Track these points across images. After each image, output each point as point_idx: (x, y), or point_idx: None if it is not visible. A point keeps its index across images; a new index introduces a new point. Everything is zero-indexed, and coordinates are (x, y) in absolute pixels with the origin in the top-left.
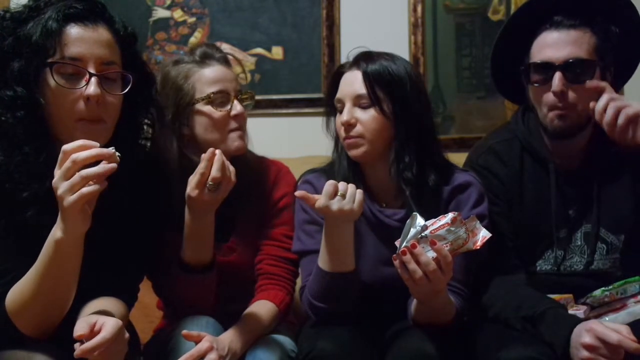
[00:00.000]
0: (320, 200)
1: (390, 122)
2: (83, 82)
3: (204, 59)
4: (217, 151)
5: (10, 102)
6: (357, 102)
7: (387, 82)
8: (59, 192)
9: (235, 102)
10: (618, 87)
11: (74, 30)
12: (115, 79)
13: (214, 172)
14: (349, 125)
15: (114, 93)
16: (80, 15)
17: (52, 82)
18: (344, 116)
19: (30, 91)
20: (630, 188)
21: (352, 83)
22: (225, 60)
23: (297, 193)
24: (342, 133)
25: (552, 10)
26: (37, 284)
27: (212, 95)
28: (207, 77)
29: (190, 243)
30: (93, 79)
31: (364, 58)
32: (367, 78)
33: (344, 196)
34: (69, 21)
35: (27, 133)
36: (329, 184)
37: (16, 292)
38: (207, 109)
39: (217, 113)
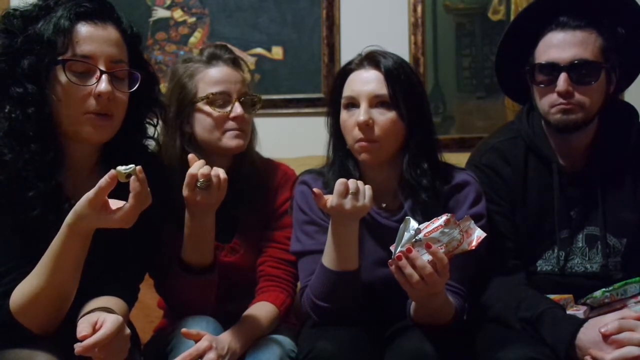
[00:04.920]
0: (332, 200)
1: (405, 125)
2: (94, 80)
3: (211, 59)
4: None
5: (20, 99)
6: (374, 102)
7: (404, 83)
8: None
9: (236, 104)
10: (622, 89)
11: (85, 29)
12: (123, 77)
13: (202, 169)
14: (366, 126)
15: (122, 91)
16: (90, 13)
17: (63, 79)
18: (361, 116)
19: (41, 88)
20: (632, 191)
21: (368, 82)
22: (233, 62)
23: (315, 190)
24: (356, 134)
25: (557, 10)
26: (48, 276)
27: (211, 95)
28: (210, 77)
29: (190, 243)
30: (104, 77)
31: (382, 57)
32: (390, 78)
33: (355, 194)
34: (80, 19)
35: (36, 130)
36: (340, 183)
37: (24, 288)
38: (207, 108)
39: (215, 113)
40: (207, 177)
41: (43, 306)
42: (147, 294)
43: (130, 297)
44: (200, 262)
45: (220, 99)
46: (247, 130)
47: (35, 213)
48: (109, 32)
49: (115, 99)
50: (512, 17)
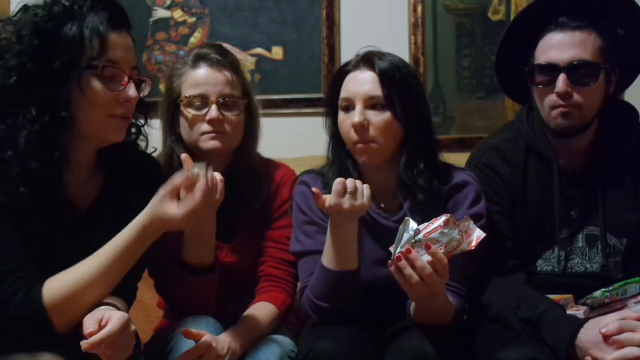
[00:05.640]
0: (330, 199)
1: (402, 126)
2: (121, 85)
3: (196, 61)
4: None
5: (51, 102)
6: (369, 103)
7: (400, 83)
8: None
9: (213, 106)
10: (622, 89)
11: (114, 36)
12: (137, 81)
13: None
14: (361, 127)
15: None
16: (117, 20)
17: (96, 84)
18: (356, 117)
19: (69, 92)
20: (632, 191)
21: (363, 83)
22: (217, 63)
23: (314, 189)
24: (353, 135)
25: (557, 11)
26: (104, 273)
27: (184, 98)
28: (190, 80)
29: (190, 243)
30: (131, 83)
31: (377, 57)
32: (384, 79)
33: (353, 193)
34: (111, 26)
35: (61, 135)
36: (338, 183)
37: (66, 282)
38: (186, 110)
39: (191, 115)
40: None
41: (86, 300)
42: (147, 294)
43: (128, 296)
44: (201, 262)
45: (197, 101)
46: (226, 132)
47: (36, 216)
48: (128, 39)
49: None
50: (512, 17)
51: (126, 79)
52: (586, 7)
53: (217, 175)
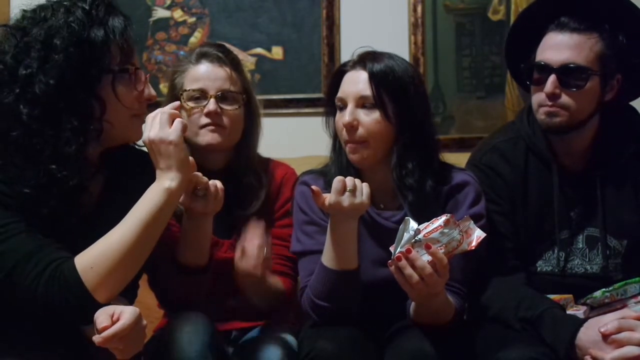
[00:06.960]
0: (330, 197)
1: (393, 126)
2: (141, 85)
3: (199, 58)
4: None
5: (91, 110)
6: (361, 103)
7: (392, 84)
8: (161, 135)
9: (212, 100)
10: (630, 98)
11: (132, 39)
12: None
13: (199, 178)
14: (351, 127)
15: None
16: (130, 24)
17: (123, 86)
18: (346, 117)
19: (103, 97)
20: (633, 192)
21: (356, 83)
22: (218, 59)
23: (313, 187)
24: (344, 135)
25: (561, 10)
26: (134, 240)
27: (184, 92)
28: (191, 75)
29: (186, 245)
30: (147, 81)
31: (370, 58)
32: (373, 79)
33: (352, 191)
34: (129, 30)
35: (87, 141)
36: (338, 181)
37: (102, 255)
38: (186, 103)
39: (189, 107)
40: (205, 185)
41: (122, 263)
42: (147, 294)
43: (129, 294)
44: (195, 264)
45: (197, 94)
46: (225, 125)
47: (49, 216)
48: None
49: None
50: (512, 17)
51: (143, 77)
52: (588, 10)
53: (218, 184)
